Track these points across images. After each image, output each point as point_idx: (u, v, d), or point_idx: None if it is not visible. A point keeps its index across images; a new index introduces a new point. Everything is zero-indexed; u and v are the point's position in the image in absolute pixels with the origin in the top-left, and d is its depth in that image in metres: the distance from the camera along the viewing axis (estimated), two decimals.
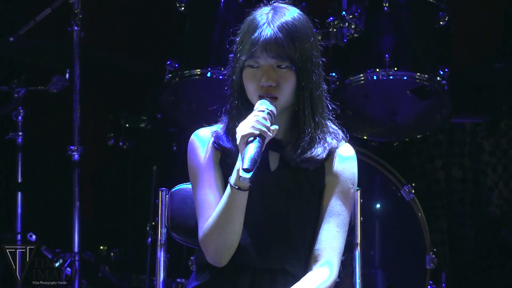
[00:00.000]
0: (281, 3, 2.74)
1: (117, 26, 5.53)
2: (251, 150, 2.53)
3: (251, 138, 2.56)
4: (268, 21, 2.65)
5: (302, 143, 2.68)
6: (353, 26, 4.38)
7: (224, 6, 4.41)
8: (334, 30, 4.39)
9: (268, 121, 2.59)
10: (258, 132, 2.56)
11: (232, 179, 2.61)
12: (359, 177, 2.78)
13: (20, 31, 4.38)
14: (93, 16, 5.17)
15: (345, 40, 4.38)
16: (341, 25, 4.38)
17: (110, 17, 5.53)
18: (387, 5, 4.46)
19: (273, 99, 2.65)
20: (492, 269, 5.04)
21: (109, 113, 5.01)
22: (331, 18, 4.41)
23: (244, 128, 2.57)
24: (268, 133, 2.58)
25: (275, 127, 2.61)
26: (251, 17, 2.71)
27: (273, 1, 2.75)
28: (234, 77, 2.71)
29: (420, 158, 5.10)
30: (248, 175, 2.53)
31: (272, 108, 2.62)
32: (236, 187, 2.60)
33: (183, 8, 4.49)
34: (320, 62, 2.73)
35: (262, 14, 2.69)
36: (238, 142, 2.57)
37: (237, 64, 2.69)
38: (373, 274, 4.31)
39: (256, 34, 2.64)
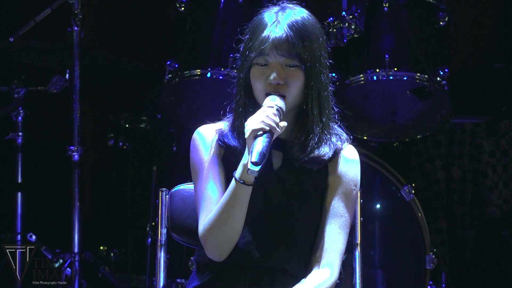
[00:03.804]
0: (289, 3, 2.75)
1: (117, 27, 5.53)
2: (260, 144, 2.54)
3: (260, 133, 2.56)
4: (278, 20, 2.66)
5: (310, 142, 2.69)
6: (353, 27, 4.38)
7: (224, 6, 4.41)
8: (334, 30, 4.39)
9: (277, 117, 2.59)
10: (268, 128, 2.56)
11: (238, 173, 2.61)
12: None
13: (20, 31, 4.38)
14: (93, 16, 5.17)
15: (345, 40, 4.39)
16: (341, 25, 4.38)
17: (110, 18, 5.53)
18: (387, 5, 4.46)
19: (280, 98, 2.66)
20: (491, 269, 5.04)
21: (109, 113, 5.01)
22: (331, 18, 4.41)
23: (254, 122, 2.57)
24: (277, 129, 2.58)
25: (284, 123, 2.61)
26: (259, 16, 2.71)
27: (281, 2, 2.76)
28: (241, 74, 2.71)
29: (420, 158, 5.10)
30: (257, 169, 2.52)
31: (281, 104, 2.63)
32: (241, 181, 2.60)
33: (183, 9, 4.49)
34: (328, 64, 2.74)
35: (271, 13, 2.70)
36: (246, 136, 2.57)
37: (245, 62, 2.70)
38: (373, 274, 4.31)
39: (266, 32, 2.65)
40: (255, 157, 2.51)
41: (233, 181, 2.62)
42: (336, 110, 2.78)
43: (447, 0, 4.58)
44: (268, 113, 2.58)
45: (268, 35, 2.64)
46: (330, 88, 2.74)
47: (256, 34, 2.67)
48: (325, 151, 2.70)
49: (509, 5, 5.45)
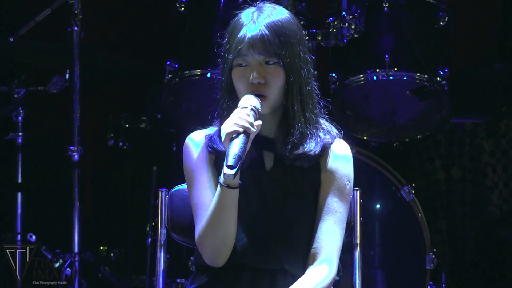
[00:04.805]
0: (266, 2, 2.75)
1: (117, 27, 5.53)
2: (235, 147, 2.53)
3: (235, 135, 2.56)
4: (253, 20, 2.68)
5: (292, 138, 2.68)
6: (353, 27, 4.38)
7: (224, 6, 4.41)
8: (334, 30, 4.39)
9: (251, 116, 2.59)
10: (242, 130, 2.56)
11: (221, 178, 2.61)
12: (359, 178, 2.79)
13: (20, 31, 4.38)
14: (93, 16, 5.17)
15: (345, 41, 4.38)
16: (341, 25, 4.38)
17: (110, 18, 5.54)
18: (387, 5, 4.46)
19: (263, 98, 2.65)
20: (491, 269, 5.04)
21: (109, 113, 5.01)
22: (331, 18, 4.41)
23: (227, 125, 2.57)
24: (252, 128, 2.57)
25: (258, 122, 2.60)
26: (236, 18, 2.73)
27: (258, 1, 2.76)
28: (223, 78, 2.73)
29: (420, 158, 5.10)
30: (232, 172, 2.51)
31: (256, 103, 2.62)
32: (226, 185, 2.61)
33: (183, 9, 4.49)
34: (309, 59, 2.74)
35: (247, 13, 2.71)
36: (222, 140, 2.58)
37: (225, 65, 2.72)
38: (373, 274, 4.31)
39: (242, 33, 2.66)
40: (230, 160, 2.50)
41: (219, 186, 2.62)
42: (322, 105, 2.78)
43: (447, 0, 4.58)
44: (241, 114, 2.58)
45: (244, 35, 2.65)
46: (314, 83, 2.74)
47: (233, 36, 2.68)
48: (311, 146, 2.69)
49: (509, 5, 5.45)
